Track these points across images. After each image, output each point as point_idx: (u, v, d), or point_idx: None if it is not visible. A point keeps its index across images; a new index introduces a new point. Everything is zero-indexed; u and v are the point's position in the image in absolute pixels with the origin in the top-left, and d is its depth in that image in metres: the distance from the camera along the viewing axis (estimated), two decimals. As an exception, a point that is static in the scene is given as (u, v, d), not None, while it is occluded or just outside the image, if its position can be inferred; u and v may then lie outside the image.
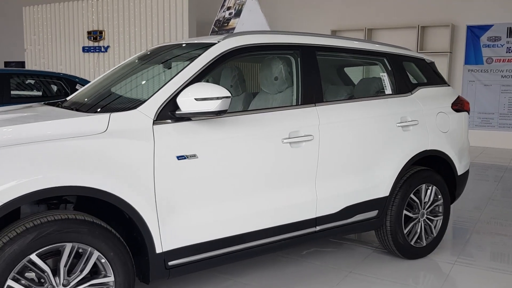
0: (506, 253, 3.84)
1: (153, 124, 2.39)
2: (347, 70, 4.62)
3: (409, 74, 3.81)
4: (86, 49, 12.36)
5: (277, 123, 2.82)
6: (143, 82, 2.78)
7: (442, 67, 10.62)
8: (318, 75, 3.08)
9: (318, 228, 3.04)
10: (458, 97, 3.92)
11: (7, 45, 16.07)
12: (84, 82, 7.31)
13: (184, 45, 3.11)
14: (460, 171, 3.81)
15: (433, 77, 3.84)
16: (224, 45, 2.76)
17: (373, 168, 3.25)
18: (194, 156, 2.45)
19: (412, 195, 3.50)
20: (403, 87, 3.54)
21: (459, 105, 3.86)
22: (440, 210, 3.73)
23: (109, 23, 11.94)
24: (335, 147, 3.04)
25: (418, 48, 10.69)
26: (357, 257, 3.68)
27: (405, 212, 3.48)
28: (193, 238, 2.50)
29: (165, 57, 3.08)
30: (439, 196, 3.69)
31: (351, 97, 3.55)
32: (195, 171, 2.46)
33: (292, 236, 2.93)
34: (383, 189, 3.31)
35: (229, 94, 2.41)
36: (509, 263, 3.62)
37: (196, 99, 2.37)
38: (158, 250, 2.38)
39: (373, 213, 3.33)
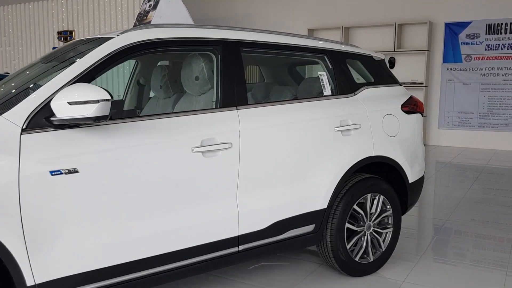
0: (463, 272, 3.51)
1: (21, 134, 2.03)
2: (301, 69, 4.31)
3: (356, 73, 3.48)
4: (55, 50, 11.97)
5: (186, 129, 2.48)
6: (28, 84, 2.43)
7: (420, 66, 10.34)
8: (241, 74, 2.74)
9: (241, 247, 2.69)
10: (410, 97, 3.59)
11: (-21, 47, 15.63)
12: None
13: (85, 40, 2.76)
14: (411, 178, 3.48)
15: (382, 76, 3.51)
16: (119, 40, 2.40)
17: (307, 178, 2.91)
18: (74, 170, 2.10)
19: (355, 206, 3.17)
20: (345, 87, 3.21)
21: (411, 106, 3.53)
22: (390, 222, 3.40)
23: (79, 23, 11.59)
24: (260, 155, 2.70)
25: (395, 47, 10.40)
26: (299, 273, 3.35)
27: (347, 225, 3.15)
28: (75, 267, 2.14)
29: (64, 55, 2.73)
30: (388, 207, 3.36)
31: (292, 99, 3.21)
32: (74, 189, 2.10)
33: (209, 258, 2.59)
34: (319, 201, 2.97)
35: (109, 97, 2.06)
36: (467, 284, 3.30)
37: (69, 102, 2.02)
38: (30, 283, 2.03)
39: (309, 228, 2.99)
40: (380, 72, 3.51)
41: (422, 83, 10.31)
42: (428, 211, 5.15)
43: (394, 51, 10.45)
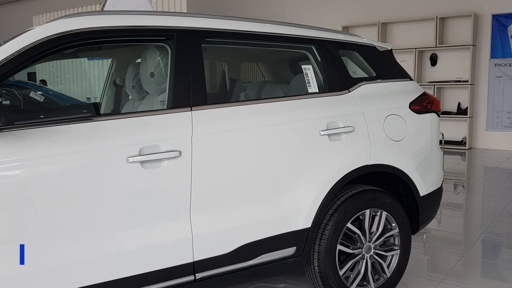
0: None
1: None
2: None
3: (355, 65, 2.97)
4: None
5: (122, 135, 2.06)
6: None
7: (464, 62, 9.51)
8: (199, 69, 2.30)
9: (198, 275, 2.24)
10: (423, 94, 3.02)
11: None
12: None
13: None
14: (424, 190, 2.92)
15: (386, 70, 2.96)
16: (41, 31, 2.02)
17: (284, 193, 2.43)
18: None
19: (350, 225, 2.65)
20: (336, 83, 2.70)
21: (423, 105, 2.97)
22: (396, 243, 2.85)
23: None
24: (220, 166, 2.24)
25: (437, 42, 9.62)
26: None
27: (339, 247, 2.63)
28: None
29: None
30: (393, 225, 2.82)
31: (266, 98, 2.73)
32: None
33: (156, 289, 2.15)
34: (301, 219, 2.48)
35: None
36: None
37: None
38: None
39: (290, 251, 2.50)
40: (384, 65, 2.97)
41: (468, 81, 9.49)
42: (461, 222, 4.50)
43: (436, 47, 9.68)
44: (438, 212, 5.04)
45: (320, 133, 2.51)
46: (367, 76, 2.91)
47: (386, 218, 2.79)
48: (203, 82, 2.29)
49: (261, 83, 3.30)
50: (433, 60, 10.00)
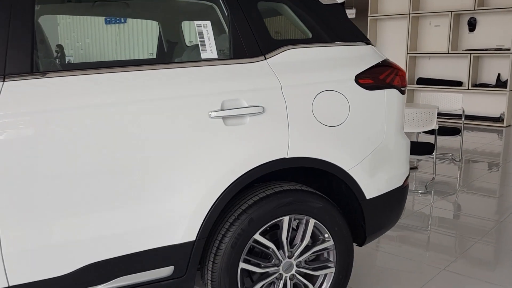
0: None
1: None
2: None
3: (294, 24, 2.24)
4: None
5: None
6: None
7: (507, 28, 8.35)
8: (24, 24, 1.67)
9: (20, 304, 1.68)
10: (382, 63, 2.27)
11: None
12: None
13: None
14: (371, 192, 2.21)
15: (329, 30, 2.22)
16: None
17: (153, 194, 1.80)
18: None
19: (258, 237, 2.00)
20: (247, 46, 2.00)
21: (378, 78, 2.22)
22: (331, 259, 2.18)
23: None
24: (44, 158, 1.63)
25: (475, 4, 8.48)
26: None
27: (243, 265, 2.00)
28: None
29: None
30: (326, 236, 2.14)
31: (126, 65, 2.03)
32: None
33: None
34: (179, 231, 1.85)
35: None
36: None
37: None
38: None
39: (165, 271, 1.89)
40: (326, 23, 2.22)
41: (509, 49, 8.35)
42: (487, 208, 3.73)
43: (475, 9, 8.55)
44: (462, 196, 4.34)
45: (210, 115, 1.84)
46: (303, 37, 2.18)
47: (316, 227, 2.13)
48: (31, 42, 1.66)
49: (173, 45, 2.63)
50: (472, 25, 8.87)
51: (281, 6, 2.19)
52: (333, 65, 2.14)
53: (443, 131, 5.49)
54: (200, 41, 1.93)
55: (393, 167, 2.32)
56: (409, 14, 9.37)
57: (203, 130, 1.84)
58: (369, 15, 10.03)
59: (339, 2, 2.29)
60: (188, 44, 2.88)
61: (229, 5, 2.00)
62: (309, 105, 2.03)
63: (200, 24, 1.94)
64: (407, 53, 9.55)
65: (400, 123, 2.34)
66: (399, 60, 9.81)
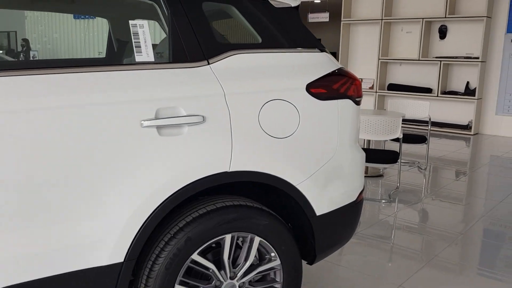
0: None
1: None
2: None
3: (245, 27, 2.10)
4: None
5: None
6: None
7: (477, 36, 8.40)
8: None
9: None
10: (337, 71, 2.14)
11: None
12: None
13: None
14: (322, 208, 2.08)
15: (281, 35, 2.08)
16: None
17: (72, 211, 1.62)
18: None
19: (196, 256, 1.84)
20: (189, 49, 1.84)
21: (331, 87, 2.09)
22: (277, 279, 2.04)
23: None
24: None
25: (447, 12, 8.50)
26: None
27: None
28: None
29: None
30: (273, 254, 2.00)
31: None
32: None
33: None
34: (106, 251, 1.68)
35: None
36: None
37: None
38: None
39: (86, 296, 1.71)
40: (278, 28, 2.08)
41: (478, 58, 8.39)
42: (453, 217, 3.64)
43: (446, 17, 8.57)
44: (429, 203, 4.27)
45: (142, 124, 1.68)
46: (252, 42, 2.03)
47: (261, 246, 1.98)
48: None
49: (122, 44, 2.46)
50: (442, 33, 8.89)
51: (229, 8, 2.04)
52: (283, 72, 2.00)
53: (409, 138, 5.44)
54: (135, 42, 1.76)
55: (346, 181, 2.19)
56: (382, 19, 9.35)
57: (134, 140, 1.67)
58: (342, 20, 9.98)
59: (292, 5, 2.16)
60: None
61: (169, 4, 1.84)
62: (255, 115, 1.89)
63: (136, 24, 1.77)
64: (379, 59, 9.53)
65: (355, 135, 2.22)
66: (371, 65, 9.79)
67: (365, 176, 5.28)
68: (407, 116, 5.72)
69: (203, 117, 1.78)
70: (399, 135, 4.28)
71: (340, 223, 2.19)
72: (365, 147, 5.24)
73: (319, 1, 10.90)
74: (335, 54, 10.50)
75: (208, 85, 1.82)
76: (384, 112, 5.79)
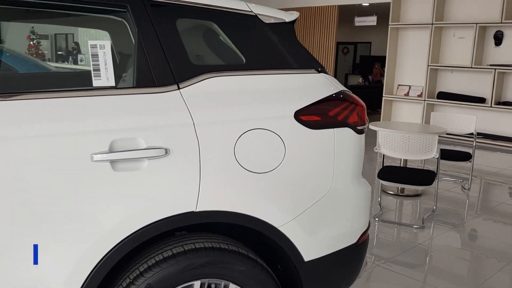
0: None
1: None
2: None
3: (217, 46, 1.88)
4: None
5: None
6: None
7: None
8: None
9: None
10: (335, 95, 1.87)
11: None
12: None
13: None
14: (311, 253, 1.82)
15: (268, 55, 1.83)
16: None
17: (7, 257, 1.45)
18: None
19: (159, 306, 1.63)
20: (156, 72, 1.63)
21: (327, 114, 1.82)
22: (257, 332, 1.80)
23: None
24: None
25: (503, 17, 7.90)
26: None
27: None
28: None
29: None
30: (251, 304, 1.76)
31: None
32: None
33: None
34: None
35: None
36: None
37: None
38: None
39: None
40: (267, 46, 1.83)
41: (538, 66, 7.73)
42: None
43: (502, 22, 7.97)
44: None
45: (92, 158, 1.48)
46: (226, 64, 1.80)
47: (235, 295, 1.74)
48: None
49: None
50: (498, 39, 8.28)
51: (210, 25, 1.82)
52: (268, 97, 1.75)
53: (451, 155, 5.00)
54: (93, 65, 1.57)
55: (344, 222, 1.91)
56: (432, 24, 8.83)
57: (83, 177, 1.48)
58: (390, 23, 9.52)
59: (287, 20, 1.90)
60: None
61: (137, 20, 1.64)
62: (230, 146, 1.65)
63: (96, 45, 1.58)
64: (428, 65, 9.01)
65: (357, 168, 1.94)
66: (420, 72, 9.27)
67: (400, 195, 4.91)
68: (451, 131, 5.28)
69: (166, 150, 1.56)
70: (435, 155, 3.90)
71: (337, 269, 1.92)
72: (401, 164, 4.86)
73: (367, 4, 10.47)
74: (383, 59, 10.01)
75: (175, 114, 1.60)
76: (424, 127, 5.38)
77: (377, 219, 4.16)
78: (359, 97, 1.95)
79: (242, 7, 1.83)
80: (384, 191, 4.89)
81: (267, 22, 1.86)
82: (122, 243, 1.53)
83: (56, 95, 1.50)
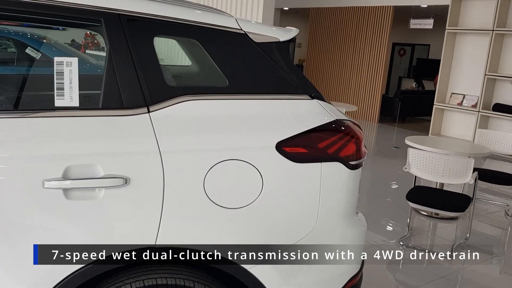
0: None
1: None
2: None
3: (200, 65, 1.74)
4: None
5: None
6: None
7: None
8: None
9: None
10: (326, 125, 1.68)
11: None
12: None
13: None
14: (287, 299, 1.65)
15: (257, 77, 1.67)
16: None
17: None
18: None
19: None
20: (125, 92, 1.51)
21: (314, 146, 1.65)
22: None
23: None
24: None
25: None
26: None
27: None
28: None
29: None
30: None
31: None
32: None
33: None
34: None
35: None
36: None
37: None
38: None
39: None
40: (256, 68, 1.67)
41: None
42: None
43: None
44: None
45: (44, 185, 1.39)
46: (206, 86, 1.65)
47: (202, 337, 1.61)
48: None
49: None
50: None
51: (192, 43, 1.68)
52: (249, 125, 1.60)
53: (493, 178, 4.62)
54: (57, 83, 1.47)
55: (328, 265, 1.73)
56: (493, 30, 8.27)
57: (33, 205, 1.39)
58: (447, 28, 9.01)
59: (281, 40, 1.73)
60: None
61: (110, 35, 1.52)
62: (200, 178, 1.52)
63: (62, 62, 1.48)
64: (486, 74, 8.46)
65: (349, 207, 1.75)
66: (476, 80, 8.72)
67: (434, 217, 4.59)
68: (498, 150, 4.90)
69: (125, 179, 1.44)
70: (469, 180, 3.59)
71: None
72: (437, 185, 4.54)
73: (425, 6, 9.96)
74: (437, 63, 9.50)
75: (139, 140, 1.48)
76: (465, 147, 5.02)
77: (401, 243, 3.90)
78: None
79: (231, 24, 1.68)
80: (417, 211, 4.59)
81: (258, 41, 1.70)
82: (73, 275, 1.43)
83: (11, 115, 1.42)
